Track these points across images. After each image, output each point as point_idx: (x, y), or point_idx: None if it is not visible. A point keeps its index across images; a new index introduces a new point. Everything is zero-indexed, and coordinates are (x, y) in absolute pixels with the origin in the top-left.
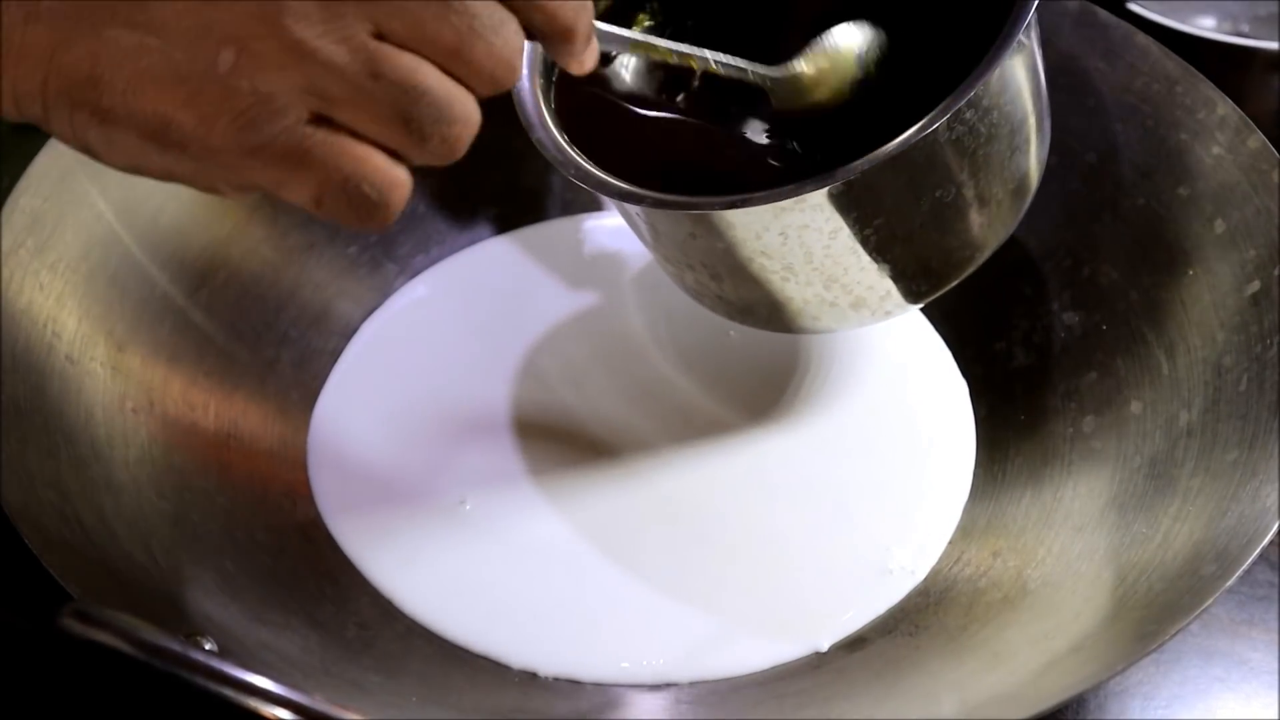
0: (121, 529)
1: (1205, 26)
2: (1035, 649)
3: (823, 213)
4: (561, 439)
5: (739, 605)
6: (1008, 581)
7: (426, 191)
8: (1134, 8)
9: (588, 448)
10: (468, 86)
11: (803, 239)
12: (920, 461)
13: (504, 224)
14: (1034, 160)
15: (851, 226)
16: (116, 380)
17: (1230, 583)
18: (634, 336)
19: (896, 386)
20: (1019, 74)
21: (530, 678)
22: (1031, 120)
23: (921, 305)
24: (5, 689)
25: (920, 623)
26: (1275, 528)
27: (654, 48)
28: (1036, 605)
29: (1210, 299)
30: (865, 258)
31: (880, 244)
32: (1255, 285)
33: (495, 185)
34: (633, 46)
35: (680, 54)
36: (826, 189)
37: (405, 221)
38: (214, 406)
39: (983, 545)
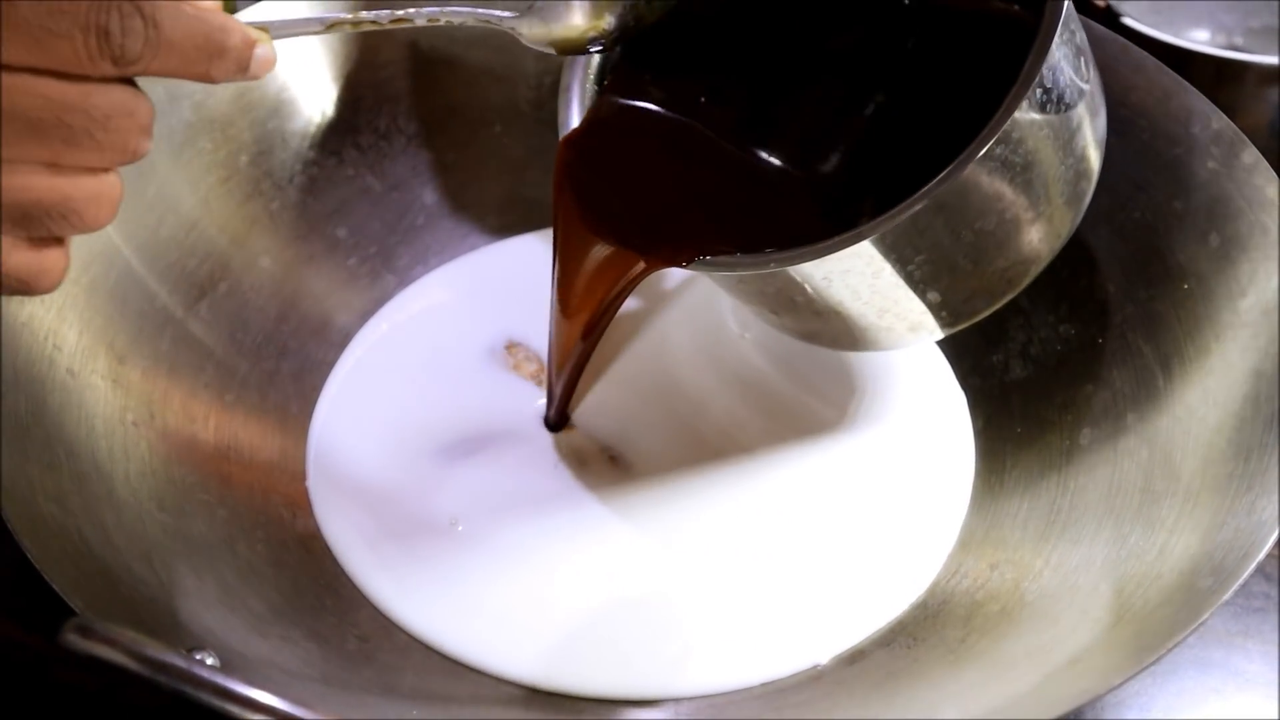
0: (123, 542)
1: (1199, 40)
2: (1033, 661)
3: (861, 258)
4: (549, 456)
5: (738, 619)
6: (1005, 594)
7: (426, 203)
8: (1128, 22)
9: (584, 461)
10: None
11: (847, 281)
12: (919, 475)
13: (505, 234)
14: (1091, 154)
15: (893, 265)
16: (117, 393)
17: (1227, 596)
18: (633, 347)
19: (896, 401)
20: (1057, 83)
21: (530, 692)
22: (1082, 119)
23: (983, 317)
24: (9, 704)
25: (918, 635)
26: (1272, 541)
27: (354, 21)
28: (1034, 618)
29: (1205, 312)
30: (916, 290)
31: (926, 276)
32: (1250, 299)
33: (495, 195)
34: (327, 27)
35: (394, 18)
36: (858, 242)
37: (404, 233)
38: (214, 419)
39: (980, 557)
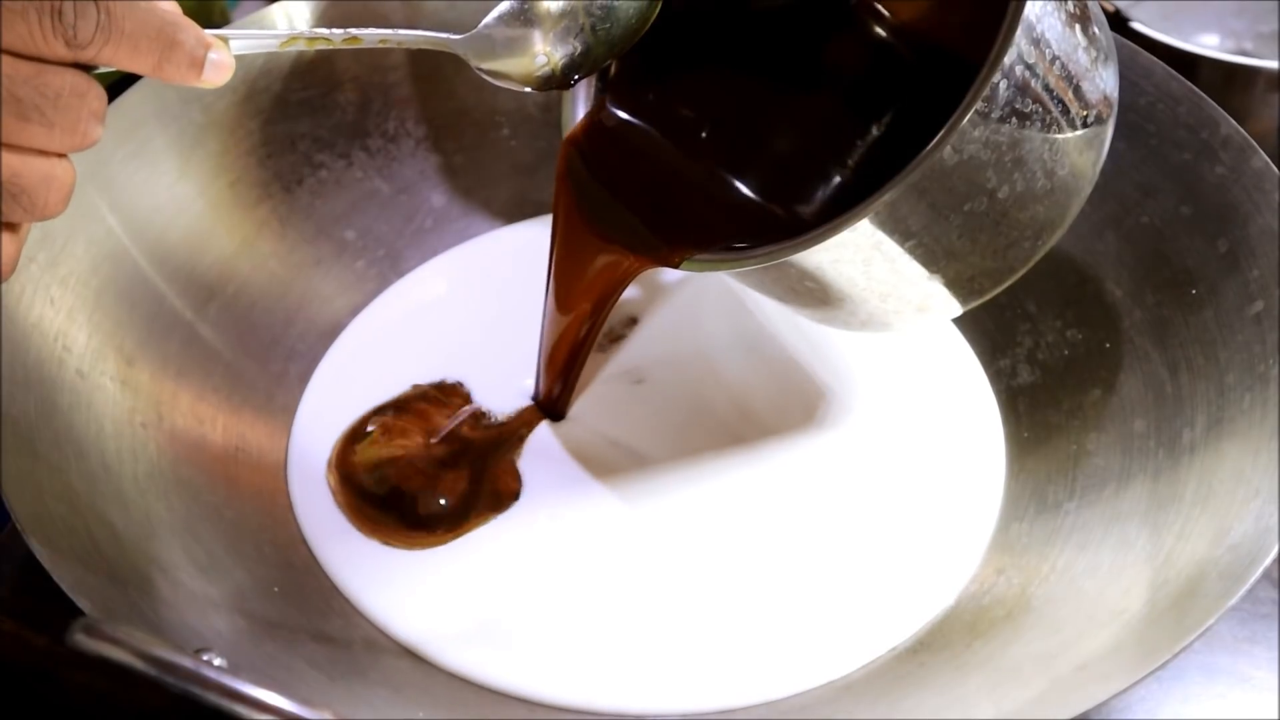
0: (131, 542)
1: (1208, 45)
2: (1039, 667)
3: (846, 248)
4: (555, 457)
5: (761, 633)
6: (1012, 599)
7: (434, 206)
8: (1137, 27)
9: (588, 460)
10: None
11: (839, 269)
12: (950, 484)
13: None
14: (1101, 116)
15: (883, 252)
16: (126, 394)
17: (1234, 601)
18: (647, 341)
19: (931, 408)
20: (1044, 55)
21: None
22: (1080, 85)
23: (997, 292)
24: (16, 704)
25: (925, 640)
26: (1279, 546)
27: (309, 38)
28: (1040, 623)
29: (1213, 317)
30: (912, 273)
31: (922, 260)
32: (1258, 305)
33: (503, 198)
34: (282, 44)
35: (346, 37)
36: (833, 236)
37: (412, 236)
38: (221, 420)
39: (987, 562)
